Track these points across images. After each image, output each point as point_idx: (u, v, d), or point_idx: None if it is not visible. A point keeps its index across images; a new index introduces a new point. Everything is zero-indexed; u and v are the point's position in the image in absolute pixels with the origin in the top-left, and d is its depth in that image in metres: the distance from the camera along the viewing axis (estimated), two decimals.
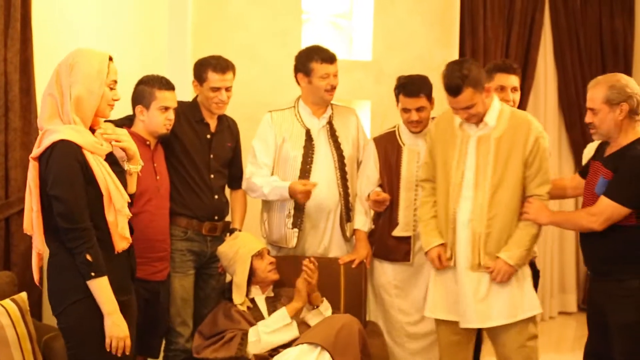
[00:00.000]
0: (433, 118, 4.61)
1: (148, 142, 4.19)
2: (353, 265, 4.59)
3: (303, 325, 4.14)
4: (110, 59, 3.40)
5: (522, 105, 4.69)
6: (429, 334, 4.55)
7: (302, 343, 3.79)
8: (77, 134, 3.24)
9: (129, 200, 3.42)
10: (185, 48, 5.23)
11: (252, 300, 4.25)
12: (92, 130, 3.38)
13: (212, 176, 4.47)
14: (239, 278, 4.26)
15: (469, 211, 4.03)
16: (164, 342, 4.48)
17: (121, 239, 3.35)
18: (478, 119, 4.02)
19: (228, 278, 4.50)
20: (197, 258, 4.48)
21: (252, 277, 4.29)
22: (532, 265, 4.52)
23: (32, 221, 3.28)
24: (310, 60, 4.53)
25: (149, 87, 4.14)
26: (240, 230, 4.58)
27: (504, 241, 4.01)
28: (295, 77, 4.63)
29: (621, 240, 3.77)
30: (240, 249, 4.29)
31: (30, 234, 3.34)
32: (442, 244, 4.13)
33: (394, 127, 4.70)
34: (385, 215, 4.62)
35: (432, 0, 6.26)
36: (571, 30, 7.07)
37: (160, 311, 4.29)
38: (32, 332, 3.96)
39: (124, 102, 3.87)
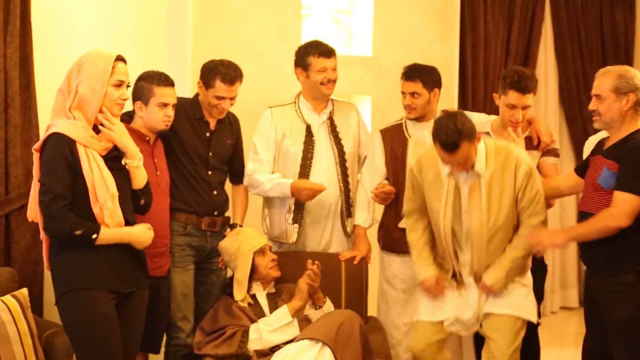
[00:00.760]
0: (444, 111, 4.64)
1: (147, 138, 4.19)
2: (355, 262, 4.59)
3: (305, 322, 4.13)
4: (120, 59, 3.50)
5: None
6: None
7: (303, 339, 3.79)
8: (72, 128, 3.36)
9: (116, 195, 3.45)
10: (186, 44, 5.23)
11: (253, 297, 4.25)
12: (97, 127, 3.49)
13: (210, 173, 4.47)
14: (240, 274, 4.26)
15: (469, 253, 4.02)
16: (164, 337, 4.48)
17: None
18: (469, 167, 3.97)
19: (229, 273, 4.50)
20: (197, 253, 4.48)
21: (253, 274, 4.29)
22: (541, 261, 4.53)
23: (36, 210, 3.43)
24: (308, 54, 4.55)
25: (148, 83, 4.13)
26: (241, 226, 4.58)
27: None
28: (295, 72, 4.64)
29: (617, 235, 3.74)
30: (242, 245, 4.29)
31: (34, 221, 3.49)
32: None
33: (401, 119, 4.71)
34: (392, 207, 4.64)
35: None
36: (572, 24, 7.07)
37: (161, 307, 4.29)
38: (32, 328, 3.97)
39: None
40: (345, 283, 4.57)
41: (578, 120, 7.08)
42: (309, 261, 4.20)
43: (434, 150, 3.94)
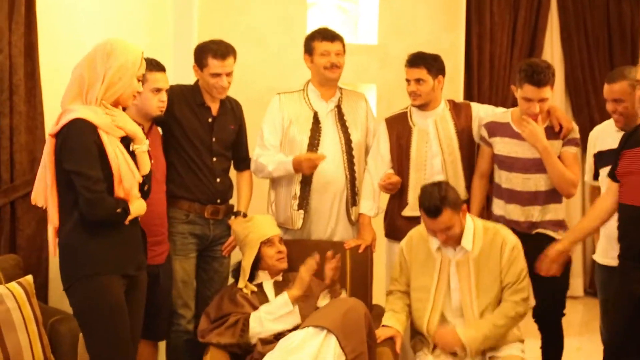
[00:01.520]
0: (449, 100, 4.67)
1: (142, 126, 4.18)
2: (359, 251, 4.59)
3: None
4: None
5: None
6: None
7: (308, 326, 3.78)
8: (94, 114, 3.35)
9: (140, 181, 3.48)
10: (191, 32, 5.23)
11: (260, 285, 4.24)
12: None
13: (214, 159, 4.47)
14: (245, 262, 4.26)
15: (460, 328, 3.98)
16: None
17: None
18: (455, 241, 3.97)
19: (233, 260, 4.51)
20: (199, 241, 4.48)
21: (260, 263, 4.29)
22: None
23: (46, 195, 3.41)
24: (313, 39, 4.59)
25: None
26: (244, 214, 4.58)
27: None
28: (304, 59, 4.67)
29: None
30: (251, 234, 4.29)
31: (37, 204, 3.46)
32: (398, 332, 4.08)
33: (406, 108, 4.70)
34: (396, 195, 4.64)
35: None
36: (578, 14, 7.05)
37: (163, 294, 4.29)
38: (38, 315, 3.97)
39: None
40: (350, 271, 4.57)
41: (584, 110, 7.07)
42: (329, 253, 4.20)
43: (425, 230, 4.03)
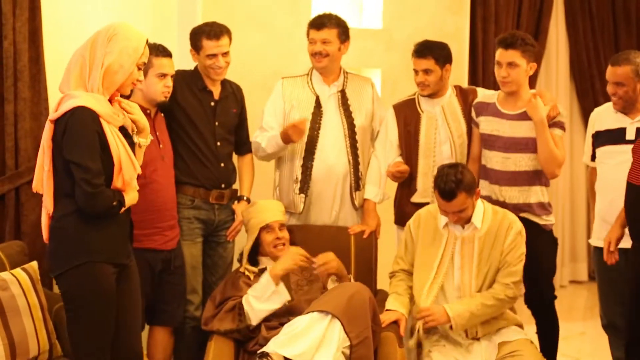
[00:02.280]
0: (456, 86, 4.65)
1: (148, 111, 4.17)
2: (364, 236, 4.60)
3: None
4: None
5: (534, 74, 4.62)
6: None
7: (313, 311, 3.78)
8: (96, 102, 3.29)
9: (140, 173, 3.45)
10: (195, 15, 5.20)
11: (263, 270, 4.24)
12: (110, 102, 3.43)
13: (218, 144, 4.47)
14: (246, 247, 4.28)
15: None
16: None
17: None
18: (466, 221, 3.99)
19: (237, 245, 4.52)
20: (205, 226, 4.49)
21: (260, 248, 4.29)
22: (551, 234, 4.51)
23: (43, 181, 3.36)
24: (308, 27, 4.59)
25: None
26: (248, 198, 4.59)
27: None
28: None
29: None
30: (252, 219, 4.29)
31: (39, 192, 3.42)
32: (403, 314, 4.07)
33: (413, 94, 4.68)
34: (405, 182, 4.63)
35: None
36: None
37: (178, 278, 4.32)
38: (42, 301, 3.97)
39: None
40: (354, 256, 4.57)
41: (589, 93, 7.05)
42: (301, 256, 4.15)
43: (434, 207, 4.05)
